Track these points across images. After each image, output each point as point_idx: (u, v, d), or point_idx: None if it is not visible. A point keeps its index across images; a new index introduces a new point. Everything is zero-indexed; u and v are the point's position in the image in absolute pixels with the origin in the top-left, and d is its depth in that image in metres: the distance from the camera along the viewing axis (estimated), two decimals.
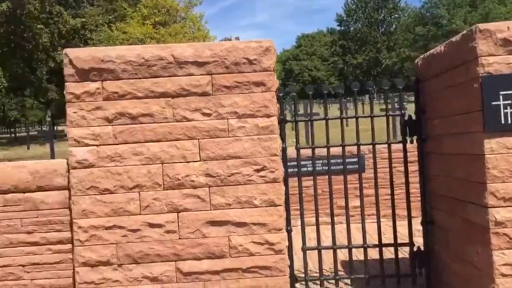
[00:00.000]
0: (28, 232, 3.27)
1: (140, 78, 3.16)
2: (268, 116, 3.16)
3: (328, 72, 77.83)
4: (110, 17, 31.83)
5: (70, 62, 3.15)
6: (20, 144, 27.38)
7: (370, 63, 71.75)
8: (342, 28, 77.16)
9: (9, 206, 3.28)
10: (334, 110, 29.89)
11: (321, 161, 6.25)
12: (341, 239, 4.49)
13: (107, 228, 3.15)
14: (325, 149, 4.04)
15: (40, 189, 3.27)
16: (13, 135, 36.45)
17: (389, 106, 4.41)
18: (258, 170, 3.16)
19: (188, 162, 3.16)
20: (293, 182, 4.38)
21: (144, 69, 3.15)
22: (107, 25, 30.93)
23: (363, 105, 33.61)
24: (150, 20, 50.04)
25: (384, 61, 69.71)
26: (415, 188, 4.35)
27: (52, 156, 11.94)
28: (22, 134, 34.99)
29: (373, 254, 4.52)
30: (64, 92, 3.21)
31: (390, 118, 4.09)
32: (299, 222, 4.05)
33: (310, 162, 5.96)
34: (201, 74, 3.16)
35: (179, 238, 3.15)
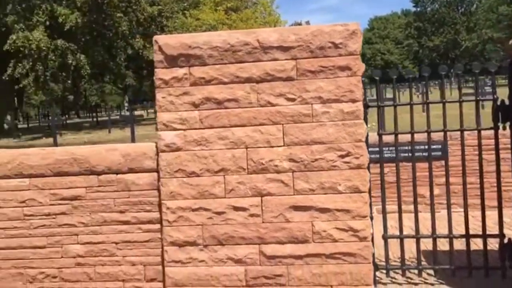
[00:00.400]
0: (121, 212, 3.46)
1: (225, 63, 3.21)
2: (353, 101, 3.10)
3: (401, 55, 75.16)
4: (185, 4, 32.53)
5: (160, 48, 3.25)
6: (101, 128, 28.91)
7: (447, 45, 68.36)
8: (418, 9, 73.94)
9: (103, 186, 3.47)
10: (404, 96, 28.82)
11: (399, 148, 6.06)
12: (420, 228, 4.35)
13: (193, 210, 3.25)
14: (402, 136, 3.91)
15: (131, 171, 3.43)
16: (94, 119, 38.46)
17: (463, 92, 4.16)
18: (342, 156, 3.12)
19: (272, 147, 3.18)
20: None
21: (230, 54, 3.19)
22: (182, 12, 31.65)
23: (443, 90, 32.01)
24: (222, 6, 50.65)
25: (463, 43, 66.10)
26: (505, 178, 4.11)
27: (133, 139, 12.51)
28: (103, 119, 36.83)
29: (457, 245, 4.34)
30: (154, 78, 3.32)
31: (466, 103, 3.88)
32: (374, 210, 3.96)
33: (387, 148, 5.81)
34: (286, 59, 3.15)
35: (263, 222, 3.20)
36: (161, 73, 3.27)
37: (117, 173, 3.46)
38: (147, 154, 3.41)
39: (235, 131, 3.21)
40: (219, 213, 3.23)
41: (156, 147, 3.41)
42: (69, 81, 26.52)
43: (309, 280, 3.16)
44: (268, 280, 3.20)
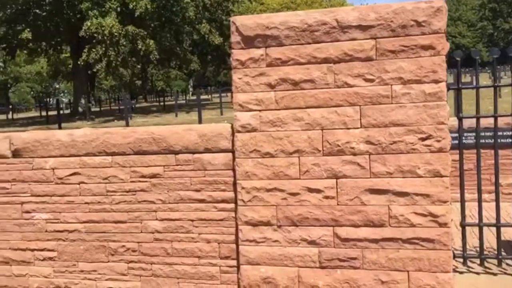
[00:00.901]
0: (197, 190, 3.55)
1: (302, 44, 3.17)
2: (436, 82, 2.98)
3: (474, 38, 71.30)
4: None
5: (237, 29, 3.27)
6: (168, 112, 29.78)
7: None
8: None
9: (180, 165, 3.57)
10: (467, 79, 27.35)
11: (471, 134, 5.78)
12: (490, 218, 4.14)
13: (268, 190, 3.28)
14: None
15: (207, 150, 3.51)
16: (161, 103, 39.67)
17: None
18: (423, 139, 3.01)
19: (349, 128, 3.12)
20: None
21: (307, 34, 3.16)
22: None
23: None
24: None
25: None
26: None
27: (200, 122, 12.78)
28: (169, 103, 37.81)
29: None
30: (230, 59, 3.36)
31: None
32: None
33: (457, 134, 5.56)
34: (365, 39, 3.07)
35: (338, 204, 3.17)
36: (238, 54, 3.29)
37: (193, 153, 3.54)
38: (223, 134, 3.47)
39: (311, 112, 3.18)
40: (293, 194, 3.24)
41: (232, 128, 3.46)
42: (139, 66, 27.42)
43: (385, 264, 3.10)
44: (342, 262, 3.18)
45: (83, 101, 28.54)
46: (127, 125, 13.84)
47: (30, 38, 24.80)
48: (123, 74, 35.37)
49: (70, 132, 3.81)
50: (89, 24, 23.09)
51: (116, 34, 23.26)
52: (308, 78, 3.18)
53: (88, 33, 23.06)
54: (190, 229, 3.57)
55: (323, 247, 3.21)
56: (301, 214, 3.23)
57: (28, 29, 24.66)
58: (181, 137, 3.56)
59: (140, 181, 3.65)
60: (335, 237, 3.18)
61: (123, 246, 3.70)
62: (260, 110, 3.27)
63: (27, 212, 3.86)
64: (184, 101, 42.67)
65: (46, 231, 3.83)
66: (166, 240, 3.62)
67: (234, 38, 3.29)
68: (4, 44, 29.41)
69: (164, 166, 3.60)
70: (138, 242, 3.68)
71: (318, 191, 3.20)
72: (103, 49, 23.85)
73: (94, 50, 23.96)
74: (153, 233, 3.64)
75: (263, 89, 3.26)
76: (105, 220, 3.73)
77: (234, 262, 3.50)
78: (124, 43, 24.23)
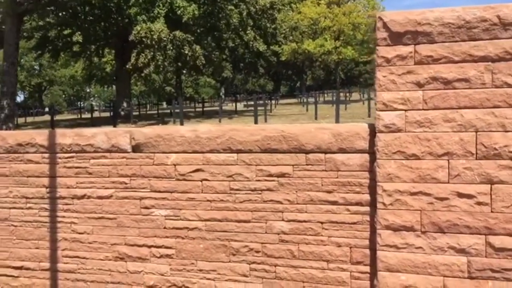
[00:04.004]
0: (328, 191, 3.43)
1: (456, 41, 3.03)
2: None
3: None
4: None
5: (384, 25, 3.15)
6: (208, 117, 29.92)
7: None
8: None
9: (311, 165, 3.46)
10: None
11: None
12: None
13: (412, 193, 3.13)
14: None
15: (341, 151, 3.39)
16: (196, 109, 39.92)
17: None
18: None
19: (507, 131, 2.95)
20: None
21: (463, 31, 3.01)
22: (289, 5, 31.80)
23: None
24: (324, 0, 50.09)
25: None
26: None
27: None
28: (199, 109, 37.82)
29: None
30: (374, 56, 3.24)
31: None
32: None
33: None
34: None
35: (492, 211, 2.99)
36: (383, 51, 3.17)
37: (326, 153, 3.43)
38: (360, 134, 3.34)
39: (464, 113, 3.02)
40: (441, 199, 3.08)
41: (369, 127, 3.33)
42: (184, 71, 27.70)
43: None
44: (495, 273, 2.99)
45: (125, 104, 28.95)
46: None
47: (81, 41, 25.39)
48: (155, 80, 35.75)
49: (194, 128, 3.75)
50: (139, 28, 23.44)
51: (164, 38, 23.56)
52: (462, 77, 3.02)
53: (137, 37, 23.42)
54: (319, 231, 3.45)
55: (473, 256, 3.03)
56: (450, 220, 3.06)
57: (79, 32, 25.25)
58: (314, 136, 3.45)
59: (266, 180, 3.55)
60: (487, 246, 3.00)
61: (246, 246, 3.60)
62: (406, 110, 3.13)
63: (146, 208, 3.81)
64: (218, 108, 42.94)
65: (165, 227, 3.77)
66: (293, 242, 3.50)
67: (380, 34, 3.17)
68: (50, 47, 30.13)
69: (293, 165, 3.49)
70: (262, 243, 3.57)
71: (469, 196, 3.02)
72: (151, 53, 24.18)
73: (143, 54, 24.31)
74: (278, 234, 3.53)
75: (410, 88, 3.12)
76: (228, 219, 3.64)
77: (366, 268, 3.35)
78: (171, 48, 24.53)
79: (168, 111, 42.06)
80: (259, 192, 3.56)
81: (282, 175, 3.51)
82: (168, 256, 3.76)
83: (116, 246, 3.87)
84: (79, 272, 3.95)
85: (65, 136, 3.98)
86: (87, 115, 42.58)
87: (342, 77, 70.78)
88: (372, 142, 3.30)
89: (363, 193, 3.35)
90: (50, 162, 3.99)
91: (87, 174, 3.93)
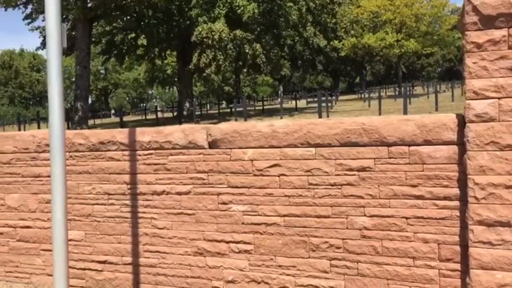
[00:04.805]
0: (413, 186, 3.28)
1: None
2: None
3: None
4: None
5: (474, 9, 2.96)
6: (269, 115, 29.97)
7: None
8: None
9: (394, 158, 3.33)
10: None
11: None
12: None
13: (508, 187, 2.93)
14: None
15: (426, 143, 3.23)
16: (255, 108, 40.04)
17: None
18: None
19: None
20: None
21: None
22: None
23: None
24: None
25: None
26: None
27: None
28: (259, 108, 37.88)
29: None
30: (462, 42, 3.06)
31: None
32: None
33: None
34: None
35: None
36: (473, 36, 2.98)
37: (410, 145, 3.29)
38: (447, 125, 3.17)
39: None
40: None
41: (457, 117, 3.16)
42: (245, 70, 27.92)
43: None
44: None
45: (187, 104, 29.58)
46: None
47: (145, 44, 26.24)
48: (214, 80, 36.12)
49: (271, 123, 3.72)
50: (200, 29, 23.86)
51: (225, 38, 23.85)
52: None
53: (199, 38, 23.85)
54: (404, 227, 3.31)
55: None
56: None
57: (143, 36, 26.11)
58: (396, 128, 3.31)
59: (346, 175, 3.45)
60: None
61: (326, 242, 3.53)
62: (499, 98, 2.93)
63: (224, 203, 3.82)
64: (278, 106, 42.89)
65: (243, 223, 3.77)
66: (376, 238, 3.39)
67: (469, 18, 2.99)
68: (116, 51, 31.32)
69: (375, 158, 3.38)
70: (343, 239, 3.48)
71: None
72: (213, 53, 24.55)
73: (204, 54, 24.74)
74: (360, 229, 3.43)
75: (503, 74, 2.92)
76: (307, 214, 3.58)
77: (456, 266, 3.18)
78: (232, 47, 24.78)
79: (228, 110, 42.81)
80: (339, 186, 3.48)
81: (363, 169, 3.40)
82: (246, 251, 3.76)
83: (195, 241, 3.91)
84: (160, 267, 4.03)
85: (144, 134, 4.07)
86: (151, 116, 43.98)
87: (404, 71, 68.66)
88: (461, 133, 3.13)
89: (451, 187, 3.18)
90: (130, 159, 4.10)
91: (166, 171, 4.00)
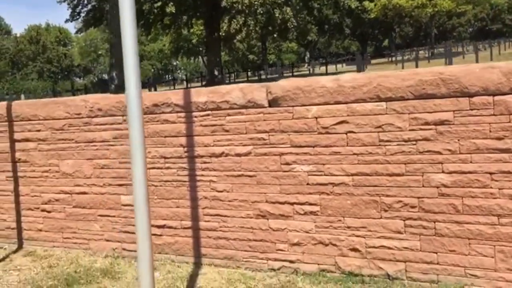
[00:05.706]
0: (498, 138, 3.04)
1: None
2: None
3: None
4: None
5: None
6: None
7: None
8: None
9: (476, 109, 3.08)
10: None
11: None
12: None
13: None
14: None
15: None
16: (283, 74, 39.53)
17: None
18: None
19: None
20: None
21: None
22: None
23: None
24: None
25: None
26: None
27: None
28: (296, 74, 37.47)
29: None
30: None
31: None
32: None
33: None
34: None
35: None
36: None
37: (494, 95, 3.03)
38: None
39: None
40: None
41: None
42: (275, 35, 27.34)
43: None
44: None
45: (216, 72, 29.32)
46: None
47: (173, 11, 25.86)
48: (239, 48, 35.50)
49: (336, 77, 3.50)
50: None
51: (255, 3, 23.29)
52: None
53: (229, 3, 23.35)
54: (488, 183, 3.09)
55: None
56: None
57: (172, 3, 25.71)
58: (479, 77, 3.05)
59: (422, 129, 3.23)
60: None
61: (400, 201, 3.34)
62: None
63: (287, 164, 3.66)
64: (307, 72, 42.18)
65: (308, 184, 3.60)
66: (455, 196, 3.18)
67: None
68: (142, 21, 31.04)
69: (454, 111, 3.14)
70: (418, 198, 3.28)
71: None
72: (243, 19, 24.06)
73: (234, 20, 24.29)
74: (438, 187, 3.22)
75: None
76: (378, 173, 3.38)
77: None
78: (262, 11, 24.21)
79: (256, 78, 42.35)
80: (414, 142, 3.26)
81: (441, 122, 3.17)
82: (312, 213, 3.61)
83: (257, 204, 3.78)
84: (220, 230, 3.93)
85: (200, 94, 3.91)
86: (178, 86, 43.98)
87: (435, 31, 66.39)
88: None
89: None
90: (186, 121, 3.96)
91: (224, 132, 3.85)
